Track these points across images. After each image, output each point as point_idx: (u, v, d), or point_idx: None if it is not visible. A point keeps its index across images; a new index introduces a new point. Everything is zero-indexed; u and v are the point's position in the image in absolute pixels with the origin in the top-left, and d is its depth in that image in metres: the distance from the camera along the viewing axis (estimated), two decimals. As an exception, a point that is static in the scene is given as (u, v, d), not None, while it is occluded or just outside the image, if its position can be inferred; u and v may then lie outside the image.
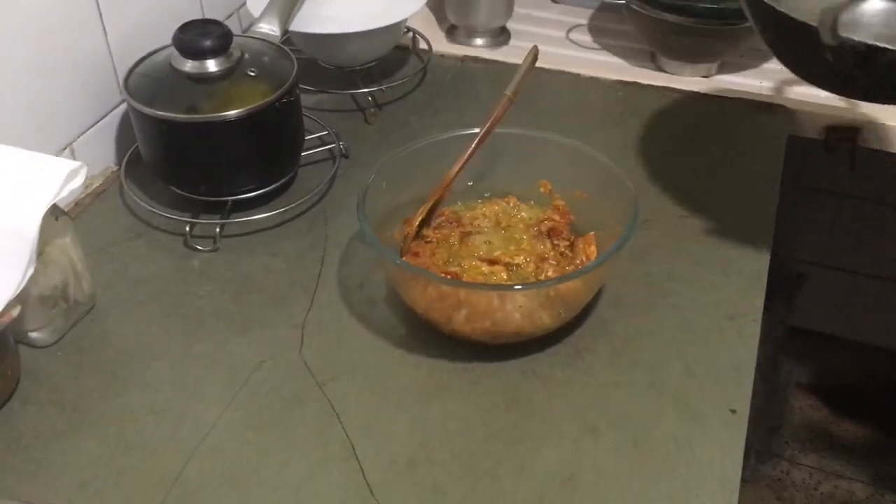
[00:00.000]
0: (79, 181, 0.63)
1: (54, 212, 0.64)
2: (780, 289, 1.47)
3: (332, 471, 0.58)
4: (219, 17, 0.89)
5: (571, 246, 0.69)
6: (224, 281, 0.74)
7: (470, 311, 0.62)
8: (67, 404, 0.63)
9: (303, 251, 0.77)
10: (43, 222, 0.61)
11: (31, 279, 0.61)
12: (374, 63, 0.97)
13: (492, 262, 0.68)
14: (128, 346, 0.68)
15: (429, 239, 0.70)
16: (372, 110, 0.93)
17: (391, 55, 0.99)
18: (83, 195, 0.81)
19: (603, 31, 1.11)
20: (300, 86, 0.80)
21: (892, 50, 0.60)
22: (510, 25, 1.09)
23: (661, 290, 0.72)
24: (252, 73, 0.77)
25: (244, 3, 0.95)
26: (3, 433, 0.61)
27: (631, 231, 0.63)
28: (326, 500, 0.57)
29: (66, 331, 0.68)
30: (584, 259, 0.68)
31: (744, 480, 0.57)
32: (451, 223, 0.72)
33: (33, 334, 0.66)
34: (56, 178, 0.61)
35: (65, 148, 0.79)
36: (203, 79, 0.76)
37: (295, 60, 0.79)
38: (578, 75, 1.01)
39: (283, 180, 0.82)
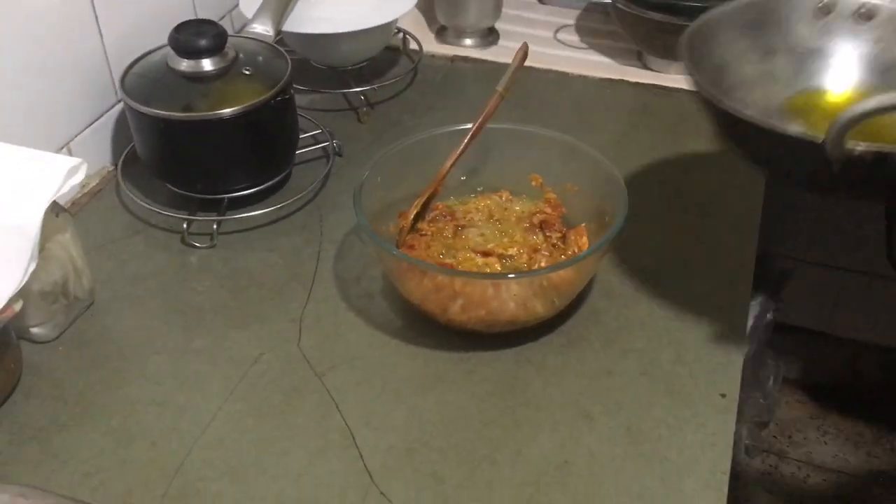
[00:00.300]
0: (79, 177, 0.64)
1: (54, 208, 0.65)
2: (766, 285, 1.49)
3: (333, 459, 0.60)
4: (212, 18, 0.90)
5: (563, 238, 0.71)
6: (222, 277, 0.75)
7: (465, 301, 0.64)
8: (69, 398, 0.64)
9: (299, 247, 0.78)
10: (44, 219, 0.61)
11: (33, 275, 0.61)
12: (365, 63, 0.98)
13: (486, 253, 0.69)
14: (128, 341, 0.69)
15: (423, 232, 0.72)
16: (364, 109, 0.94)
17: (382, 56, 1.00)
18: (80, 195, 0.82)
19: (590, 31, 1.12)
20: (293, 85, 0.81)
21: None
22: (499, 26, 1.11)
23: (651, 281, 0.73)
24: (247, 72, 0.78)
25: (237, 5, 0.96)
26: (6, 426, 0.61)
27: (622, 222, 0.64)
28: (327, 486, 0.58)
29: (66, 326, 0.69)
30: (576, 250, 0.69)
31: (733, 475, 0.59)
32: (445, 217, 0.73)
33: (35, 329, 0.67)
34: (57, 174, 0.62)
35: (61, 148, 0.80)
36: (199, 78, 0.77)
37: (289, 59, 0.80)
38: (567, 73, 1.02)
39: (279, 178, 0.83)
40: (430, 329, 0.68)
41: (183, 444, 0.60)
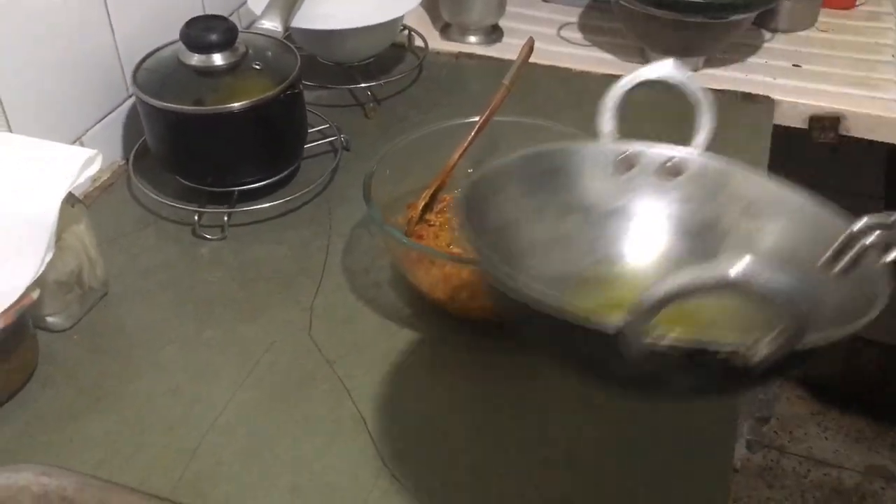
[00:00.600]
0: (94, 169, 0.65)
1: (70, 199, 0.66)
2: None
3: (345, 443, 0.61)
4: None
5: (569, 229, 0.72)
6: (232, 268, 0.76)
7: (473, 289, 0.65)
8: (85, 386, 0.65)
9: (308, 239, 0.79)
10: (60, 209, 0.63)
11: (49, 264, 0.63)
12: (371, 60, 0.99)
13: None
14: (141, 331, 0.70)
15: (432, 223, 0.73)
16: (371, 105, 0.95)
17: (388, 53, 1.01)
18: (92, 188, 0.83)
19: (593, 28, 1.14)
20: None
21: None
22: (502, 23, 1.12)
23: (655, 271, 0.74)
24: (257, 67, 0.79)
25: (245, 2, 0.97)
26: (24, 413, 0.62)
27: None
28: (340, 471, 0.59)
29: (80, 316, 0.70)
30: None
31: (735, 470, 0.60)
32: (452, 208, 0.74)
33: (50, 319, 0.68)
34: (72, 165, 0.64)
35: (73, 143, 0.81)
36: (209, 72, 0.78)
37: (298, 55, 0.81)
38: (570, 70, 1.04)
39: (287, 171, 0.84)
40: (438, 318, 0.69)
41: (198, 430, 0.62)
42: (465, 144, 0.73)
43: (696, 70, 1.04)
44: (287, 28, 0.87)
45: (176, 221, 0.80)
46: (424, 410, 0.63)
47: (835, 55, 1.07)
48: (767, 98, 0.97)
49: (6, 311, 0.59)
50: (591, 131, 0.76)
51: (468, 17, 1.08)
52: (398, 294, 0.72)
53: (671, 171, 0.60)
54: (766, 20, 1.11)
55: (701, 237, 0.58)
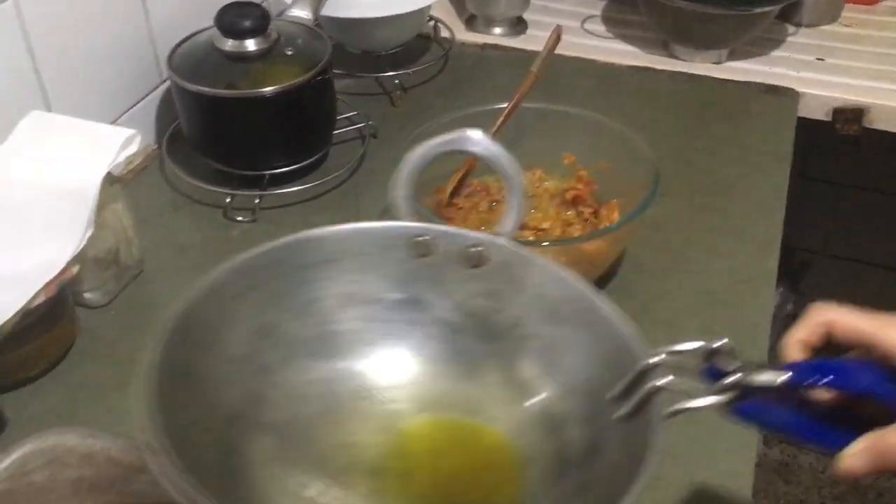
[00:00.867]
0: (133, 148, 0.67)
1: (108, 178, 0.67)
2: (786, 276, 1.51)
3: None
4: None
5: (595, 213, 0.73)
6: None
7: (501, 270, 0.66)
8: (122, 359, 0.66)
9: (337, 223, 0.80)
10: (100, 187, 0.64)
11: (89, 240, 0.64)
12: (398, 49, 1.01)
13: (520, 227, 0.71)
14: (175, 308, 0.72)
15: (460, 206, 0.74)
16: (398, 93, 0.97)
17: (414, 43, 1.03)
18: (126, 171, 0.85)
19: (616, 21, 1.15)
20: (331, 68, 0.84)
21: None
22: (527, 16, 1.13)
23: (679, 257, 0.76)
24: (289, 53, 0.81)
25: (275, -9, 0.99)
26: (64, 383, 0.64)
27: (654, 195, 0.67)
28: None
29: (117, 293, 0.72)
30: (608, 225, 0.72)
31: None
32: (480, 192, 0.75)
33: (87, 294, 0.70)
34: (113, 144, 0.65)
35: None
36: (242, 57, 0.80)
37: (329, 41, 0.83)
38: (594, 61, 1.05)
39: (316, 157, 0.86)
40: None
41: (231, 403, 0.63)
42: (494, 129, 0.74)
43: (719, 62, 1.05)
44: (317, 16, 0.89)
45: (208, 204, 0.82)
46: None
47: (858, 49, 1.07)
48: (791, 90, 0.98)
49: (48, 283, 0.61)
50: (614, 121, 0.77)
51: (494, 8, 1.09)
52: (426, 276, 0.74)
53: (474, 259, 0.51)
54: (790, 14, 1.11)
55: (503, 340, 0.51)
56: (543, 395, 0.49)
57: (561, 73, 1.01)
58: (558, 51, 0.82)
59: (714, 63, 1.05)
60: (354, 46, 1.00)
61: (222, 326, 0.48)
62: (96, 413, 0.62)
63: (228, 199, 0.81)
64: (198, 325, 0.46)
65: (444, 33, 1.07)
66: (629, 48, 1.09)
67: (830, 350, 0.44)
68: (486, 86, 1.01)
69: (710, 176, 0.85)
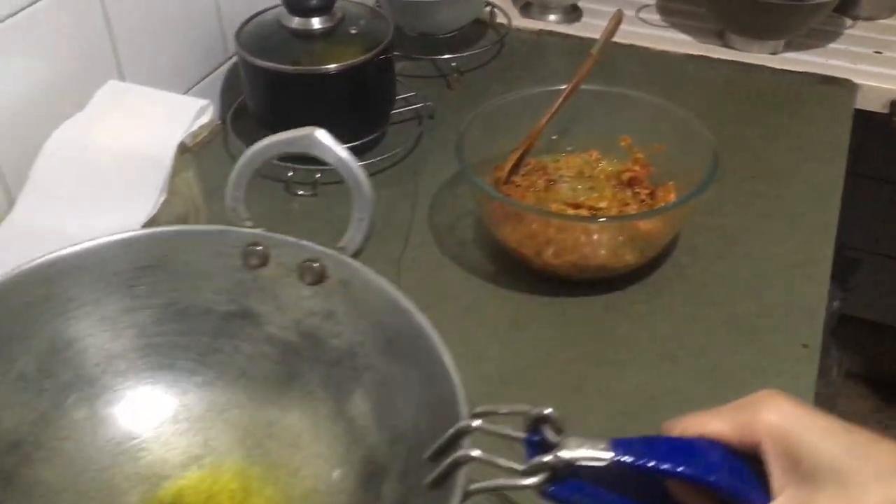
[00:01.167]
0: (205, 118, 0.69)
1: (180, 147, 0.70)
2: (834, 272, 1.50)
3: (432, 385, 0.64)
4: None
5: (652, 195, 0.74)
6: (323, 221, 0.79)
7: (559, 246, 0.67)
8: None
9: (395, 199, 0.82)
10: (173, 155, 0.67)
11: (161, 206, 0.67)
12: (455, 33, 1.02)
13: (576, 205, 0.73)
14: (238, 276, 0.74)
15: (518, 184, 0.75)
16: (455, 76, 0.98)
17: (470, 28, 1.04)
18: (191, 144, 0.87)
19: (671, 10, 1.15)
20: (389, 49, 0.86)
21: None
22: (582, 4, 1.14)
23: (733, 241, 0.76)
24: (352, 32, 0.83)
25: (336, -26, 1.01)
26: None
27: (713, 176, 0.67)
28: (428, 408, 0.62)
29: (184, 259, 0.74)
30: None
31: None
32: (537, 171, 0.77)
33: (157, 259, 0.72)
34: (187, 113, 0.68)
35: (176, 100, 0.86)
36: (308, 35, 0.82)
37: (391, 22, 0.85)
38: (648, 49, 1.05)
39: (375, 135, 0.88)
40: (521, 275, 0.72)
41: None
42: (553, 110, 0.75)
43: (775, 53, 1.04)
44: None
45: (269, 178, 0.84)
46: (508, 357, 0.66)
47: (917, 43, 1.06)
48: (848, 81, 0.98)
49: (124, 245, 0.64)
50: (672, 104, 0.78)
51: (549, -5, 1.10)
52: (482, 252, 0.75)
53: (313, 275, 0.47)
54: (847, 7, 1.11)
55: (339, 367, 0.47)
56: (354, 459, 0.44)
57: (615, 59, 1.01)
58: (613, 38, 0.83)
59: (770, 54, 1.05)
60: (412, 29, 1.02)
61: (12, 339, 0.43)
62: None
63: (290, 174, 0.83)
64: None
65: (501, 19, 1.08)
66: (684, 37, 1.09)
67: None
68: (540, 71, 1.02)
69: (765, 163, 0.86)
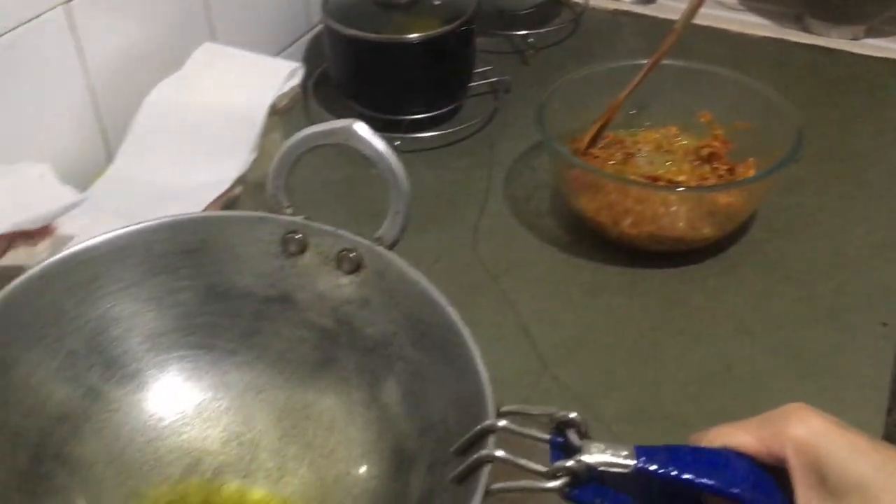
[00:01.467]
0: (296, 80, 0.71)
1: (270, 108, 0.72)
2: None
3: (509, 347, 0.65)
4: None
5: (731, 171, 0.74)
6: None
7: (636, 217, 0.68)
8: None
9: (471, 168, 0.84)
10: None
11: (251, 164, 0.69)
12: (531, 10, 1.03)
13: (654, 178, 0.73)
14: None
15: (595, 156, 0.76)
16: (531, 52, 0.99)
17: (547, 6, 1.05)
18: (271, 112, 0.90)
19: (749, -7, 1.14)
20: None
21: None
22: (658, -15, 1.13)
23: (811, 220, 0.76)
24: (436, 3, 0.84)
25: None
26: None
27: (796, 151, 0.67)
28: (504, 368, 0.63)
29: (268, 218, 0.76)
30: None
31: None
32: (615, 144, 0.77)
33: (243, 216, 0.75)
34: (279, 74, 0.70)
35: (262, 66, 0.88)
36: (392, 5, 0.84)
37: (473, -6, 0.86)
38: (726, 31, 1.05)
39: (452, 106, 0.89)
40: (596, 245, 0.73)
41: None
42: (635, 83, 0.75)
43: (856, 39, 1.03)
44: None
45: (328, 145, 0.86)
46: (583, 325, 0.67)
47: None
48: (933, 67, 0.96)
49: (216, 200, 0.66)
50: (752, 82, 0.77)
51: (626, -25, 1.10)
52: (558, 222, 0.76)
53: (350, 264, 0.49)
54: (932, -7, 1.08)
55: (374, 355, 0.48)
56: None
57: (692, 39, 1.01)
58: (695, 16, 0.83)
59: (851, 40, 1.03)
60: (490, 4, 1.03)
61: (62, 317, 0.45)
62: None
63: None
64: (23, 316, 0.43)
65: (576, -2, 1.09)
66: (762, 21, 1.08)
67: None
68: (615, 51, 1.02)
69: (845, 145, 0.85)
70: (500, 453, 0.38)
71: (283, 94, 0.74)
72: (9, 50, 0.61)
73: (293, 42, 0.93)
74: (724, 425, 0.38)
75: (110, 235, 0.47)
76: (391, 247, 0.49)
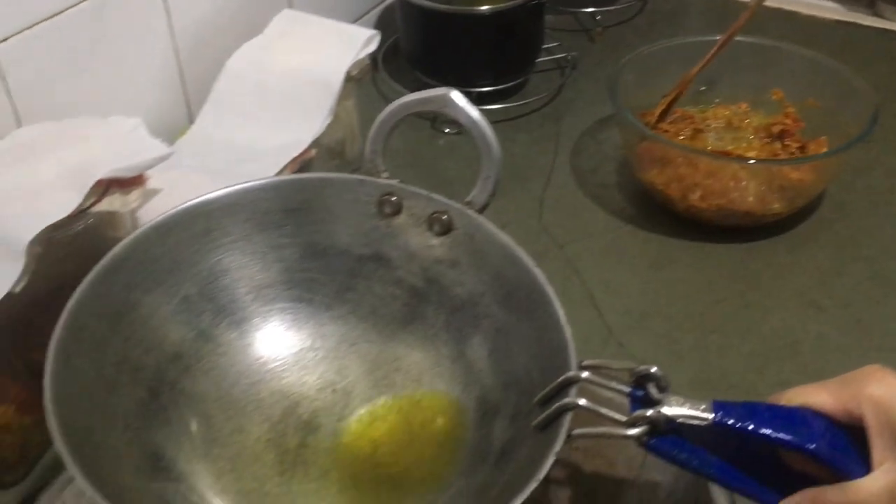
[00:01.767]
0: (372, 47, 0.73)
1: (346, 74, 0.74)
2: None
3: (574, 314, 0.65)
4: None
5: (802, 148, 0.74)
6: (467, 158, 0.82)
7: (705, 190, 0.68)
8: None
9: (537, 141, 0.84)
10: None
11: (326, 128, 0.71)
12: (600, -13, 1.03)
13: (724, 154, 0.73)
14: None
15: (665, 130, 0.76)
16: (598, 29, 0.99)
17: (614, -16, 1.05)
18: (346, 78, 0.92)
19: (820, -23, 1.12)
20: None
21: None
22: (727, -33, 1.12)
23: (882, 201, 0.75)
24: (507, -23, 0.85)
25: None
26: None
27: (871, 128, 0.67)
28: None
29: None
30: (815, 157, 0.72)
31: None
32: (684, 120, 0.77)
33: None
34: (356, 42, 0.72)
35: (333, 37, 0.90)
36: (465, -22, 0.85)
37: (544, -32, 0.87)
38: (796, 13, 1.04)
39: (519, 80, 0.90)
40: (662, 218, 0.73)
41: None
42: (708, 57, 0.75)
43: (930, 22, 1.01)
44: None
45: (418, 115, 0.87)
46: (648, 295, 0.67)
47: None
48: None
49: (293, 160, 0.68)
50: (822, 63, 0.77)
51: (695, -44, 1.09)
52: (623, 195, 0.77)
53: (441, 226, 0.50)
54: None
55: (461, 313, 0.50)
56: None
57: (761, 22, 1.00)
58: (761, 0, 0.82)
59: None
60: (559, -19, 1.03)
61: (178, 266, 0.48)
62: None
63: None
64: (145, 262, 0.47)
65: (645, -23, 1.08)
66: (832, 4, 1.07)
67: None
68: (682, 31, 1.02)
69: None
70: (582, 401, 0.39)
71: (356, 63, 0.76)
72: (103, 9, 0.64)
73: (366, 12, 0.94)
74: (803, 386, 0.39)
75: (222, 192, 0.50)
76: (481, 210, 0.51)
